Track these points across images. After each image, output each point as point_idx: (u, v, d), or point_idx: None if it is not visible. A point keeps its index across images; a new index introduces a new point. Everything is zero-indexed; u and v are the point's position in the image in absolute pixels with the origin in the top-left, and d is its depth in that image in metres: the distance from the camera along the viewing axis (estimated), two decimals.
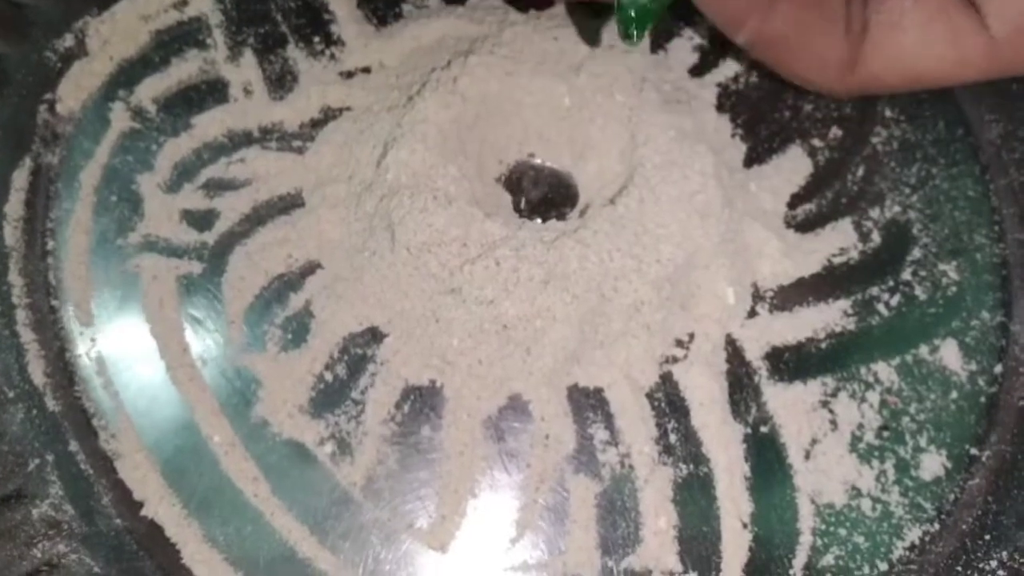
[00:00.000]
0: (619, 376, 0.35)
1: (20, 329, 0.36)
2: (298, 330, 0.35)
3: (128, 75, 0.40)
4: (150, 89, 0.40)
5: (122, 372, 0.35)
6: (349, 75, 0.41)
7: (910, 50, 0.31)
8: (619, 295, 0.34)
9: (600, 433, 0.35)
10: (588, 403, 0.35)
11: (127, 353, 0.35)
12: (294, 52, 0.41)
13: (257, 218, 0.37)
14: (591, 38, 0.38)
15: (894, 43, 0.32)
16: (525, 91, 0.38)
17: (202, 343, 0.35)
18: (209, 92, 0.40)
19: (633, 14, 0.30)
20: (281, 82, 0.40)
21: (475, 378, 0.34)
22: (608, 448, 0.34)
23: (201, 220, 0.37)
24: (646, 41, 0.41)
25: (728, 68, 0.41)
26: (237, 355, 0.35)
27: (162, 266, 0.37)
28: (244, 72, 0.40)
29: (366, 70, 0.41)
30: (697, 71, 0.41)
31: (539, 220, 0.38)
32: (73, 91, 0.40)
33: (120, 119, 0.39)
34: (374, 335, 0.35)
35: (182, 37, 0.41)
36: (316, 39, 0.41)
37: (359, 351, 0.35)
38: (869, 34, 0.32)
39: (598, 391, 0.35)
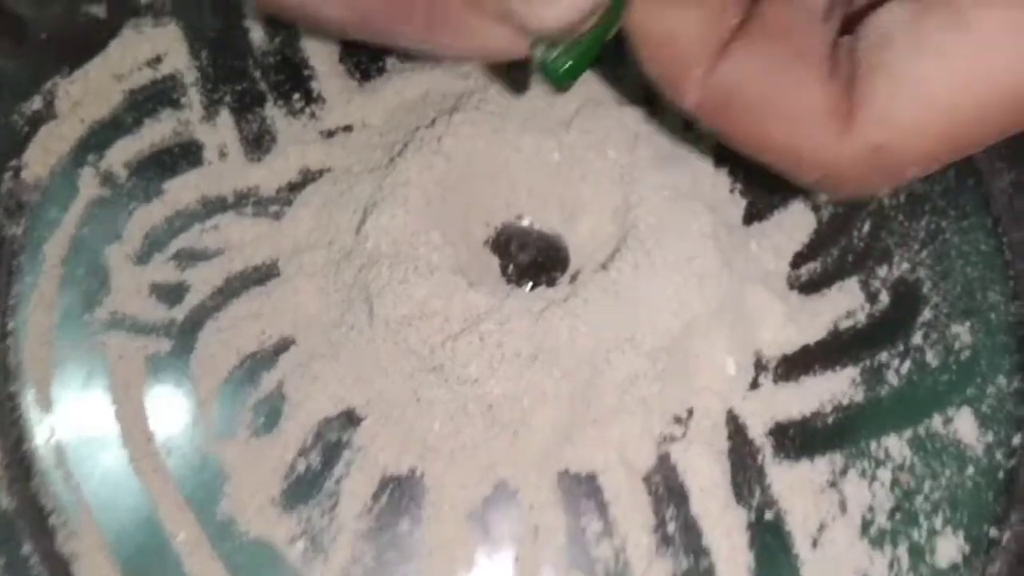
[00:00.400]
0: (613, 458, 0.33)
1: None
2: (270, 414, 0.34)
3: (99, 138, 0.38)
4: (121, 153, 0.38)
5: (83, 462, 0.33)
6: (330, 134, 0.39)
7: (908, 53, 0.24)
8: (612, 368, 0.33)
9: (593, 524, 0.32)
10: (580, 491, 0.33)
11: (89, 441, 0.34)
12: (272, 111, 0.39)
13: (230, 290, 0.36)
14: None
15: (888, 54, 0.24)
16: (512, 148, 0.36)
17: (168, 429, 0.34)
18: (183, 155, 0.38)
19: (563, 71, 0.28)
20: (258, 143, 0.38)
21: (458, 465, 0.32)
22: (602, 540, 0.32)
23: (171, 294, 0.36)
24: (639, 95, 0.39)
25: None
26: (205, 442, 0.33)
27: (129, 345, 0.35)
28: (220, 133, 0.39)
29: (348, 128, 0.39)
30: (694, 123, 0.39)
31: (529, 284, 0.36)
32: (40, 156, 0.38)
33: (89, 185, 0.38)
34: (350, 418, 0.33)
35: (156, 96, 0.39)
36: (296, 96, 0.39)
37: (334, 436, 0.33)
38: (859, 64, 0.25)
39: (591, 477, 0.33)
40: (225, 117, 0.39)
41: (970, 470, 0.34)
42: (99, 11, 0.40)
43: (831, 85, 0.25)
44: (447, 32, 0.27)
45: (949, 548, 0.33)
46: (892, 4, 0.25)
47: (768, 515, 0.33)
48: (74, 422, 0.34)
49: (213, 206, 0.37)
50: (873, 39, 0.24)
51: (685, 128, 0.39)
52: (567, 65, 0.26)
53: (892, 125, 0.24)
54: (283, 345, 0.35)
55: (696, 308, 0.34)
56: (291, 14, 0.27)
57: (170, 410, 0.34)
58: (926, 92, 0.24)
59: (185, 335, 0.35)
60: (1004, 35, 0.23)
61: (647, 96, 0.39)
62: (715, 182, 0.38)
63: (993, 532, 0.34)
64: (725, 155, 0.39)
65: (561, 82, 0.27)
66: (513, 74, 0.37)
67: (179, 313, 0.35)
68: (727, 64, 0.25)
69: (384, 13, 0.27)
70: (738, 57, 0.25)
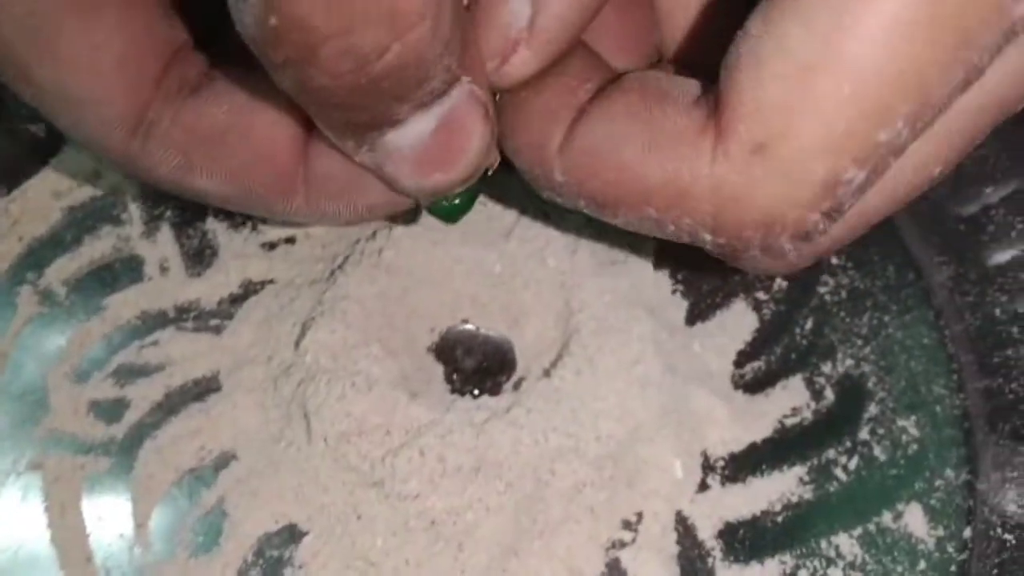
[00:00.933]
0: (561, 569, 0.32)
1: None
2: (209, 532, 0.33)
3: (38, 256, 0.38)
4: (61, 270, 0.38)
5: None
6: (272, 246, 0.39)
7: (757, 30, 0.21)
8: (557, 478, 0.32)
9: None
10: None
11: (24, 565, 0.33)
12: (214, 224, 0.39)
13: (169, 406, 0.35)
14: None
15: (740, 42, 0.21)
16: (453, 260, 0.36)
17: (107, 550, 0.33)
18: (123, 271, 0.38)
19: (452, 211, 0.28)
20: (200, 257, 0.38)
21: None
22: None
23: (110, 411, 0.35)
24: None
25: None
26: (144, 563, 0.32)
27: (66, 465, 0.34)
28: (161, 248, 0.38)
29: (290, 240, 0.39)
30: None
31: (475, 390, 0.36)
32: None
33: (27, 304, 0.37)
34: (292, 534, 0.33)
35: (96, 213, 0.39)
36: None
37: (275, 553, 0.32)
38: (721, 81, 0.22)
39: None
40: (166, 232, 0.39)
41: (922, 565, 0.34)
42: (38, 130, 0.40)
43: (695, 110, 0.23)
44: (332, 199, 0.27)
45: None
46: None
47: None
48: (9, 544, 0.33)
49: (154, 321, 0.37)
50: (731, 47, 0.22)
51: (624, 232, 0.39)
52: (454, 204, 0.27)
53: (766, 114, 0.21)
54: (223, 461, 0.34)
55: (640, 414, 0.33)
56: (162, 186, 0.27)
57: (108, 531, 0.33)
58: (792, 62, 0.20)
59: (124, 453, 0.34)
60: None
61: None
62: (656, 284, 0.38)
63: None
64: (665, 258, 0.39)
65: (452, 221, 0.28)
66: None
67: (118, 431, 0.35)
68: (583, 124, 0.24)
69: (266, 190, 0.27)
70: (593, 115, 0.24)
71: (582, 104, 0.25)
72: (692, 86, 0.24)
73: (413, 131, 0.24)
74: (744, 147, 0.21)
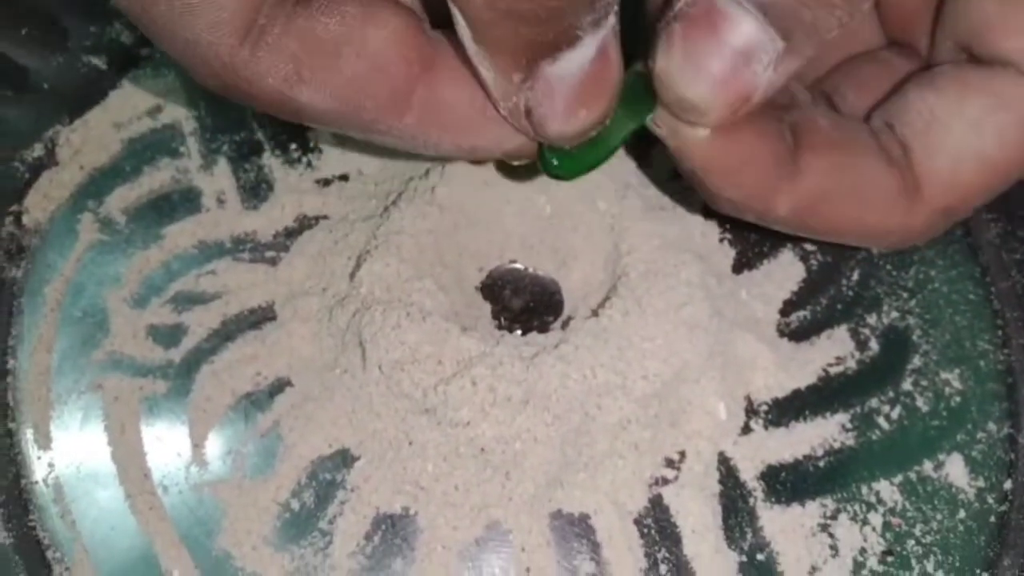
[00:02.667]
0: (605, 501, 0.33)
1: None
2: (265, 454, 0.34)
3: (98, 185, 0.39)
4: (120, 199, 0.39)
5: (80, 499, 0.33)
6: (326, 183, 0.39)
7: (964, 135, 0.29)
8: (603, 413, 0.33)
9: (585, 565, 0.32)
10: (572, 531, 0.33)
11: (86, 479, 0.34)
12: (269, 160, 0.40)
13: (226, 333, 0.36)
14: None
15: (943, 138, 0.29)
16: (504, 200, 0.37)
17: (164, 468, 0.34)
18: (181, 202, 0.39)
19: (556, 163, 0.29)
20: (255, 191, 0.39)
21: (451, 505, 0.32)
22: None
23: (168, 336, 0.36)
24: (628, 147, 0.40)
25: None
26: (201, 481, 0.33)
27: (125, 386, 0.35)
28: (218, 181, 0.39)
29: (343, 177, 0.40)
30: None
31: (520, 331, 0.36)
32: (41, 202, 0.39)
33: (88, 231, 0.38)
34: (344, 459, 0.33)
35: (155, 145, 0.40)
36: (292, 146, 0.40)
37: (328, 476, 0.33)
38: (912, 149, 0.30)
39: (583, 518, 0.33)
40: (223, 166, 0.39)
41: (962, 514, 0.34)
42: (100, 62, 0.41)
43: (893, 169, 0.30)
44: (442, 129, 0.27)
45: None
46: (921, 91, 0.30)
47: (760, 557, 0.33)
48: (72, 460, 0.34)
49: (211, 251, 0.38)
50: (919, 125, 0.30)
51: (673, 179, 0.40)
52: (574, 161, 0.29)
53: (958, 190, 0.30)
54: (278, 387, 0.35)
55: (686, 355, 0.34)
56: (261, 102, 0.26)
57: (166, 450, 0.34)
58: (983, 161, 0.29)
59: (181, 377, 0.35)
60: None
61: (636, 149, 0.40)
62: (704, 232, 0.39)
63: None
64: None
65: (560, 177, 0.29)
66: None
67: (176, 355, 0.35)
68: (809, 176, 0.29)
69: (375, 105, 0.26)
70: (815, 168, 0.29)
71: (791, 150, 0.29)
72: (866, 133, 0.31)
73: (580, 56, 0.25)
74: (936, 211, 0.30)
